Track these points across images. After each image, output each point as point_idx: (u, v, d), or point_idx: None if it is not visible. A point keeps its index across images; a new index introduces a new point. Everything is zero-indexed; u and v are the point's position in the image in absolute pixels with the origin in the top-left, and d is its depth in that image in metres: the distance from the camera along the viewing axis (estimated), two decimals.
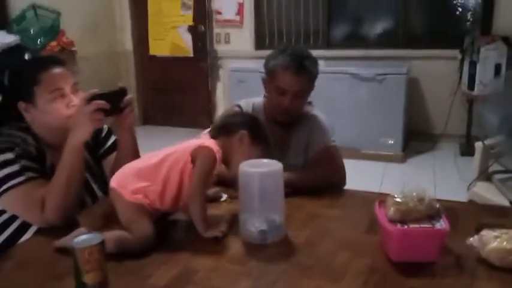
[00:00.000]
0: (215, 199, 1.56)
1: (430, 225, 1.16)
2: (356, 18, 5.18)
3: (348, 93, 4.45)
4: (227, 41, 5.36)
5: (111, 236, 1.22)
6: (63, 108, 1.50)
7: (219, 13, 5.28)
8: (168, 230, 1.36)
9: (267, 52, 5.36)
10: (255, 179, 1.27)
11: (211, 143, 1.36)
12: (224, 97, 5.41)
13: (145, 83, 5.88)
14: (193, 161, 1.32)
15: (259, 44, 5.29)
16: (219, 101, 5.50)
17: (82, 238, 1.07)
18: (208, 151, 1.32)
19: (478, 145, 2.50)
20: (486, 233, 1.19)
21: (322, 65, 4.57)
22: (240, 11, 5.21)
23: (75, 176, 1.42)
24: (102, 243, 1.08)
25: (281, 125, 1.81)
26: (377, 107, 4.36)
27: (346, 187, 1.77)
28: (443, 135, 4.68)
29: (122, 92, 1.48)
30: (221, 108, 5.33)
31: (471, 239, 1.18)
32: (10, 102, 1.55)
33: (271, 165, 1.31)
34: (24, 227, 1.48)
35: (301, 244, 1.28)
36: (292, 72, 1.68)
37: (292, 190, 1.56)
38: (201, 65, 5.44)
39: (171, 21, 5.45)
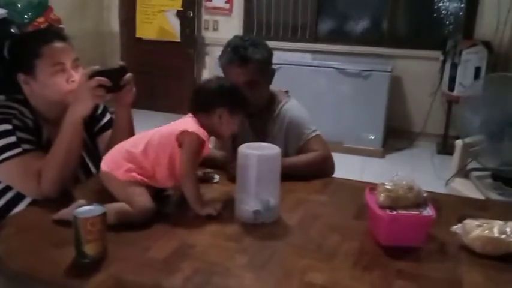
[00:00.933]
0: (207, 180, 1.59)
1: (418, 212, 1.23)
2: (344, 14, 5.24)
3: (332, 87, 4.52)
4: (215, 29, 5.36)
5: (112, 208, 1.25)
6: (63, 82, 1.51)
7: (209, 0, 5.27)
8: (165, 205, 1.39)
9: None
10: (253, 161, 1.31)
11: (194, 127, 1.35)
12: None
13: (130, 65, 5.67)
14: (180, 145, 1.34)
15: (247, 33, 5.30)
16: None
17: (84, 209, 1.10)
18: (192, 137, 1.33)
19: (458, 143, 2.60)
20: (469, 222, 1.26)
21: (308, 58, 4.69)
22: None
23: (73, 150, 1.44)
24: (104, 215, 1.11)
25: (253, 116, 1.81)
26: (360, 102, 4.44)
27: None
28: (422, 134, 4.81)
29: (123, 70, 1.50)
30: None
31: (455, 227, 1.25)
32: (9, 74, 1.55)
33: (270, 149, 1.36)
34: (17, 198, 1.49)
35: (293, 226, 1.33)
36: (237, 65, 1.69)
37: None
38: (187, 51, 5.42)
39: (159, 4, 5.41)
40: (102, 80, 1.41)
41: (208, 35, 5.41)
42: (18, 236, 1.22)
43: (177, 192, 1.43)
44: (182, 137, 1.34)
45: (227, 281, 1.06)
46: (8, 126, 1.44)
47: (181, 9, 5.35)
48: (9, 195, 1.50)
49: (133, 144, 1.37)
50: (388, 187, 1.26)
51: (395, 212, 1.22)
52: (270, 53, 1.82)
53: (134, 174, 1.32)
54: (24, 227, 1.26)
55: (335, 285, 1.06)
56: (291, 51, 4.99)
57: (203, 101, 1.41)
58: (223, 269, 1.10)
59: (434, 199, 1.51)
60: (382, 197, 1.25)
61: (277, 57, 4.60)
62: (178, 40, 5.41)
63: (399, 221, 1.21)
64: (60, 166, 1.41)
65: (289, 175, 1.63)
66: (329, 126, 4.53)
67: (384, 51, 4.77)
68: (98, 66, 1.45)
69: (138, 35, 5.60)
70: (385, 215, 1.21)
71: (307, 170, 1.72)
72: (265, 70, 1.77)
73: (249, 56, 1.69)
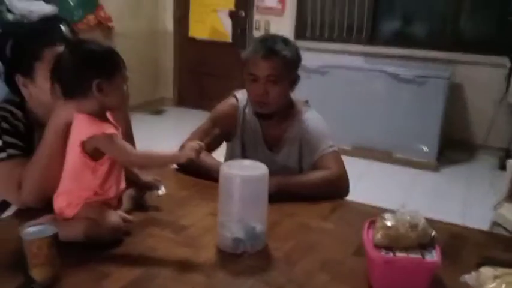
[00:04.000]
0: (151, 188, 1.43)
1: (419, 256, 1.02)
2: (403, 16, 4.91)
3: (384, 93, 4.24)
4: (267, 29, 5.22)
5: (81, 224, 1.15)
6: None
7: (261, 0, 5.15)
8: (136, 227, 1.27)
9: (306, 43, 5.23)
10: (236, 182, 1.16)
11: (88, 130, 1.17)
12: None
13: (183, 64, 5.84)
14: (91, 158, 1.19)
15: (299, 33, 5.12)
16: None
17: (33, 229, 1.01)
18: (98, 139, 1.17)
19: (510, 163, 2.28)
20: (485, 271, 1.04)
21: (361, 61, 4.43)
22: None
23: (55, 157, 1.35)
24: (53, 237, 1.01)
25: (267, 120, 1.70)
26: (414, 110, 4.12)
27: (358, 195, 1.62)
28: (483, 147, 4.39)
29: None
30: None
31: (466, 276, 1.03)
32: (9, 74, 1.50)
33: (255, 169, 1.20)
34: (4, 204, 1.44)
35: (279, 259, 1.17)
36: (261, 56, 1.59)
37: (287, 195, 1.47)
38: (238, 51, 5.32)
39: (212, 3, 5.36)
40: None
41: (260, 35, 5.28)
42: None
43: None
44: (88, 148, 1.18)
45: None
46: None
47: (234, 9, 5.26)
48: None
49: (62, 184, 1.24)
50: (387, 223, 1.07)
51: (391, 254, 1.03)
52: (298, 56, 1.69)
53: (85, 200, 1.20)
54: None
55: None
56: (343, 54, 4.75)
57: (73, 84, 1.19)
58: None
59: (456, 235, 1.32)
60: (379, 235, 1.07)
61: (327, 59, 4.49)
62: (230, 40, 5.33)
63: (394, 265, 1.02)
64: (41, 174, 1.33)
65: (296, 194, 1.49)
66: (378, 134, 4.29)
67: (444, 55, 4.40)
68: None
69: (191, 34, 5.59)
70: (378, 256, 1.02)
71: (317, 190, 1.55)
72: (290, 70, 1.64)
73: (276, 50, 1.59)
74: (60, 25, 3.94)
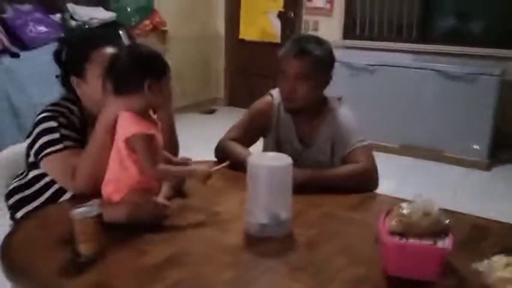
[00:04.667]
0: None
1: (431, 242, 1.08)
2: (453, 13, 4.80)
3: (434, 90, 4.18)
4: (315, 29, 5.27)
5: (122, 206, 1.30)
6: None
7: (309, 0, 5.21)
8: (173, 212, 1.39)
9: (355, 42, 5.23)
10: (262, 172, 1.26)
11: (133, 127, 1.31)
12: None
13: (233, 66, 6.01)
14: (131, 150, 1.33)
15: (348, 33, 5.14)
16: None
17: (81, 210, 1.15)
18: (138, 139, 1.31)
19: None
20: (497, 259, 1.07)
21: (409, 59, 4.38)
22: None
23: (104, 149, 1.50)
24: (98, 216, 1.15)
25: (296, 115, 1.79)
26: (464, 108, 4.04)
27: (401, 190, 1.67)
28: None
29: None
30: None
31: (478, 263, 1.07)
32: (65, 77, 1.68)
33: (281, 160, 1.30)
34: (61, 190, 1.62)
35: (301, 243, 1.26)
36: (292, 55, 1.67)
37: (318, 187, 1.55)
38: None
39: (262, 5, 5.49)
40: None
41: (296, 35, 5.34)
42: (33, 230, 1.32)
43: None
44: (131, 144, 1.32)
45: (193, 282, 1.04)
46: (53, 124, 1.57)
47: (283, 10, 5.36)
48: (55, 186, 1.63)
49: (110, 172, 1.39)
50: (402, 211, 1.13)
51: (404, 240, 1.09)
52: (331, 57, 1.75)
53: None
54: (43, 222, 1.35)
55: None
56: (394, 52, 4.71)
57: (126, 82, 1.34)
58: (207, 282, 1.08)
59: (477, 226, 1.35)
60: (393, 222, 1.12)
61: (375, 57, 4.48)
62: (279, 41, 5.43)
63: (405, 251, 1.08)
64: (92, 163, 1.48)
65: (326, 187, 1.57)
66: (429, 133, 4.24)
67: (495, 52, 4.27)
68: None
69: (241, 36, 5.75)
70: (390, 242, 1.08)
71: (347, 182, 1.61)
72: (320, 69, 1.71)
73: (308, 49, 1.67)
74: (119, 30, 4.21)
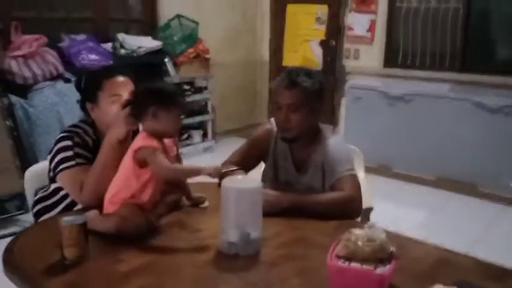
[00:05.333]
0: (197, 204, 1.72)
1: (371, 268, 1.14)
2: (496, 42, 4.70)
3: (470, 122, 4.11)
4: (356, 57, 5.34)
5: (111, 218, 1.46)
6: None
7: (351, 29, 5.30)
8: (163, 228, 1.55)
9: (396, 70, 5.24)
10: (232, 194, 1.38)
11: (140, 142, 1.49)
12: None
13: None
14: (140, 165, 1.49)
15: (389, 61, 5.15)
16: (343, 115, 5.52)
17: (68, 218, 1.32)
18: (144, 151, 1.47)
19: None
20: None
21: (445, 89, 4.33)
22: (371, 28, 5.15)
23: (108, 166, 1.68)
24: (82, 225, 1.32)
25: (291, 143, 1.89)
26: (501, 142, 3.93)
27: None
28: None
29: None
30: (344, 123, 5.33)
31: None
32: (83, 102, 1.90)
33: (250, 183, 1.42)
34: (75, 201, 1.82)
35: (264, 262, 1.36)
36: (284, 87, 1.79)
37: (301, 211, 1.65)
38: (328, 78, 5.51)
39: (304, 34, 5.64)
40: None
41: (349, 63, 5.42)
42: (35, 235, 1.51)
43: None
44: (139, 157, 1.48)
45: None
46: (69, 143, 1.78)
47: (324, 38, 5.48)
48: (70, 198, 1.83)
49: (112, 184, 1.56)
50: (350, 236, 1.21)
51: (346, 264, 1.16)
52: (321, 87, 1.85)
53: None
54: (45, 229, 1.54)
55: None
56: (434, 82, 4.67)
57: (136, 106, 1.56)
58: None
59: (441, 259, 1.38)
60: (340, 246, 1.21)
61: (411, 87, 4.47)
62: (320, 68, 5.54)
63: (346, 274, 1.15)
64: (97, 180, 1.67)
65: (309, 212, 1.66)
66: (462, 166, 4.17)
67: None
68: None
69: (284, 63, 5.91)
70: (332, 265, 1.16)
71: (329, 209, 1.69)
72: (311, 100, 1.81)
73: (298, 81, 1.79)
74: (165, 58, 4.53)
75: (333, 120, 5.61)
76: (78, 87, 1.93)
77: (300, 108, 1.79)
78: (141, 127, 1.81)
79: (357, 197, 1.75)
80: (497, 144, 3.96)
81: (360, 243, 1.18)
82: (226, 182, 1.42)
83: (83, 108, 1.89)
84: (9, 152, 3.28)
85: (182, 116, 1.60)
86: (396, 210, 3.82)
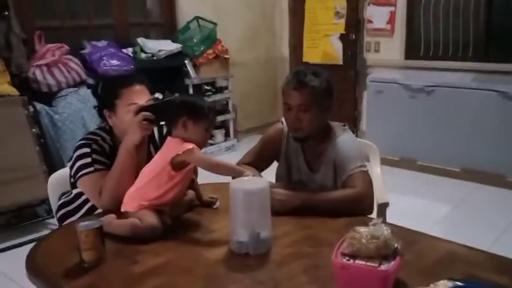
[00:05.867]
0: (209, 204, 1.77)
1: (375, 265, 1.16)
2: None
3: (495, 112, 4.03)
4: (377, 50, 5.30)
5: (127, 222, 1.52)
6: None
7: (370, 22, 5.25)
8: (175, 228, 1.60)
9: (417, 62, 5.20)
10: (239, 195, 1.42)
11: (178, 147, 1.56)
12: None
13: None
14: (174, 169, 1.56)
15: (410, 53, 5.09)
16: (364, 109, 5.48)
17: (85, 223, 1.39)
18: (187, 154, 1.54)
19: None
20: (442, 284, 1.13)
21: (468, 79, 4.25)
22: (391, 20, 5.10)
23: (126, 171, 1.75)
24: (98, 229, 1.38)
25: (303, 143, 1.91)
26: None
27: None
28: None
29: (167, 103, 1.76)
30: (366, 117, 5.30)
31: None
32: (100, 109, 1.97)
33: (257, 184, 1.45)
34: (95, 207, 1.89)
35: (273, 261, 1.39)
36: (293, 87, 1.80)
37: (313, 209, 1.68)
38: (349, 73, 5.49)
39: (324, 29, 5.62)
40: (146, 114, 1.71)
41: (370, 57, 5.38)
42: (60, 238, 1.58)
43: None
44: (176, 161, 1.55)
45: None
46: (87, 149, 1.85)
47: (344, 32, 5.45)
48: (90, 204, 1.91)
49: (137, 182, 1.64)
50: (355, 234, 1.23)
51: (351, 261, 1.18)
52: (329, 85, 1.86)
53: (143, 204, 1.57)
54: (66, 233, 1.61)
55: None
56: (454, 72, 4.60)
57: (167, 116, 1.65)
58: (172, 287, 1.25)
59: (450, 252, 1.38)
60: (345, 244, 1.22)
61: (432, 78, 4.42)
62: (341, 63, 5.51)
63: (350, 271, 1.17)
64: (115, 184, 1.74)
65: (321, 209, 1.68)
66: (488, 156, 4.09)
67: None
68: (150, 101, 1.78)
69: (304, 59, 5.90)
70: (337, 262, 1.18)
71: (340, 206, 1.71)
72: (320, 99, 1.82)
73: (306, 81, 1.80)
74: (184, 60, 4.62)
75: (355, 115, 5.59)
76: (95, 94, 2.00)
77: (310, 108, 1.80)
78: (156, 132, 1.88)
79: (368, 193, 1.76)
80: None
81: (364, 240, 1.19)
82: (234, 183, 1.45)
83: (101, 114, 1.96)
84: (37, 158, 3.41)
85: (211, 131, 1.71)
86: (421, 203, 3.79)
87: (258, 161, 2.01)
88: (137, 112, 1.73)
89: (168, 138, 1.64)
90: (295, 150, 1.97)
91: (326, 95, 1.84)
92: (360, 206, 1.73)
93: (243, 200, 1.42)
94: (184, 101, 1.65)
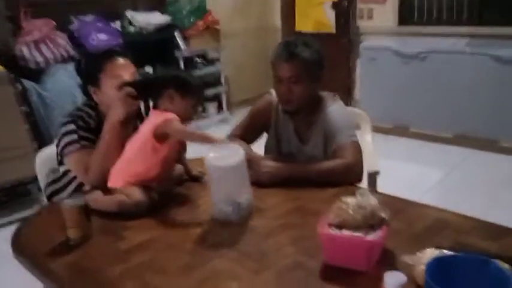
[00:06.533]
0: (198, 179, 1.75)
1: (362, 235, 1.15)
2: None
3: (488, 77, 3.97)
4: (370, 17, 5.20)
5: (113, 198, 1.51)
6: None
7: None
8: (162, 202, 1.59)
9: (411, 28, 5.09)
10: (215, 171, 1.44)
11: (160, 117, 1.53)
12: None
13: None
14: (158, 141, 1.53)
15: (403, 19, 5.00)
16: (358, 77, 5.42)
17: (70, 200, 1.37)
18: (167, 123, 1.52)
19: None
20: (429, 252, 1.12)
21: (462, 44, 4.19)
22: None
23: (111, 148, 1.72)
24: (83, 206, 1.36)
25: (296, 115, 1.88)
26: None
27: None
28: None
29: (152, 80, 1.72)
30: (360, 85, 5.25)
31: (407, 256, 1.13)
32: (85, 85, 1.92)
33: (232, 157, 1.43)
34: (83, 184, 1.87)
35: (261, 233, 1.38)
36: (283, 60, 1.75)
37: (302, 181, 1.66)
38: (342, 41, 5.40)
39: None
40: (129, 90, 1.67)
41: (363, 24, 5.28)
42: (47, 217, 1.57)
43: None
44: (158, 131, 1.52)
45: (149, 277, 1.19)
46: (73, 126, 1.82)
47: (336, 0, 5.33)
48: (79, 181, 1.88)
49: (122, 158, 1.61)
50: (341, 204, 1.21)
51: (337, 232, 1.17)
52: (320, 56, 1.82)
53: (129, 179, 1.55)
54: (53, 211, 1.58)
55: None
56: (448, 37, 4.53)
57: (154, 88, 1.61)
58: (162, 265, 1.24)
59: (439, 220, 1.38)
60: (332, 215, 1.21)
61: (425, 44, 4.36)
62: (334, 31, 5.42)
63: (336, 242, 1.16)
64: (101, 160, 1.70)
65: (309, 181, 1.67)
66: (481, 122, 4.07)
67: None
68: (135, 78, 1.74)
69: (297, 28, 5.80)
70: (323, 233, 1.17)
71: (329, 177, 1.69)
72: (311, 70, 1.78)
73: (296, 53, 1.75)
74: (174, 32, 4.52)
75: (349, 83, 5.53)
76: (78, 71, 1.95)
77: (301, 80, 1.76)
78: (142, 106, 1.84)
79: (356, 163, 1.74)
80: None
81: (350, 211, 1.18)
82: (210, 160, 1.43)
83: (85, 92, 1.92)
84: (27, 136, 3.37)
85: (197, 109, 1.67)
86: (413, 170, 3.79)
87: (247, 134, 1.98)
88: (121, 88, 1.69)
89: (152, 110, 1.61)
90: (285, 121, 1.94)
91: (317, 66, 1.80)
92: (348, 176, 1.71)
93: (219, 176, 1.43)
94: (174, 75, 1.63)
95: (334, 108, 1.86)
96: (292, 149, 1.94)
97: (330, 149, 1.82)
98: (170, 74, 1.64)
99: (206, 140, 1.51)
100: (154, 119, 1.56)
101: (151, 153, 1.56)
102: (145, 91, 1.71)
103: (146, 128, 1.57)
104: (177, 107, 1.57)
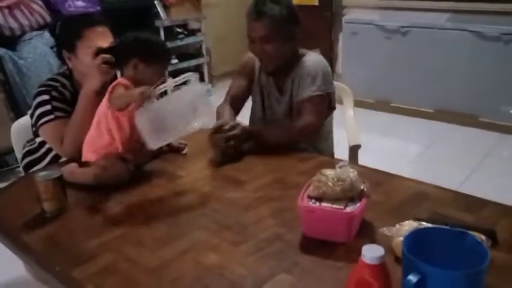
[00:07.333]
0: (178, 150, 1.72)
1: (341, 207, 1.15)
2: None
3: (468, 52, 3.98)
4: None
5: (90, 170, 1.47)
6: None
7: None
8: (139, 175, 1.56)
9: (393, 2, 5.00)
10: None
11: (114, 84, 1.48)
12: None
13: None
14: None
15: None
16: (340, 51, 5.39)
17: (44, 172, 1.34)
18: (114, 89, 1.47)
19: None
20: (407, 224, 1.13)
21: (443, 20, 4.17)
22: None
23: (87, 119, 1.66)
24: (58, 178, 1.32)
25: (274, 73, 1.87)
26: (501, 71, 3.83)
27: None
28: None
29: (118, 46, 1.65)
30: (342, 59, 5.22)
31: (386, 228, 1.13)
32: (59, 49, 1.85)
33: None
34: (59, 155, 1.83)
35: (241, 206, 1.37)
36: (253, 19, 1.74)
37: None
38: (325, 14, 5.34)
39: None
40: (105, 57, 1.61)
41: None
42: (21, 189, 1.53)
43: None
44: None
45: (127, 250, 1.18)
46: (46, 97, 1.77)
47: None
48: (55, 151, 1.84)
49: (90, 131, 1.54)
50: (321, 177, 1.20)
51: (316, 204, 1.17)
52: (291, 11, 1.78)
53: (98, 152, 1.51)
54: (28, 183, 1.54)
55: (220, 268, 1.09)
56: (429, 12, 4.51)
57: (118, 56, 1.55)
58: (139, 238, 1.22)
59: (418, 193, 1.38)
60: (311, 188, 1.20)
61: (407, 19, 4.33)
62: (316, 3, 5.34)
63: (315, 214, 1.16)
64: (76, 131, 1.66)
65: (268, 142, 1.73)
66: (462, 97, 4.10)
67: None
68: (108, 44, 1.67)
69: None
70: (302, 206, 1.17)
71: (284, 140, 1.75)
72: (282, 27, 1.75)
73: (264, 11, 1.72)
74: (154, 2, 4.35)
75: (331, 57, 5.49)
76: (52, 33, 1.89)
77: (273, 38, 1.74)
78: (119, 75, 1.79)
79: (313, 122, 1.78)
80: (497, 73, 3.86)
81: (330, 183, 1.18)
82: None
83: (59, 56, 1.86)
84: (2, 105, 3.28)
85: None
86: (394, 144, 3.82)
87: (242, 92, 1.99)
88: (96, 55, 1.63)
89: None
90: (267, 78, 1.93)
91: (289, 23, 1.77)
92: (304, 137, 1.79)
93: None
94: (136, 40, 1.53)
95: (310, 57, 1.87)
96: (273, 102, 1.95)
97: (295, 100, 1.84)
98: (134, 39, 1.53)
99: (143, 95, 1.41)
100: (111, 87, 1.50)
101: (113, 123, 1.48)
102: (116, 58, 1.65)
103: (105, 98, 1.51)
104: (142, 76, 1.49)
